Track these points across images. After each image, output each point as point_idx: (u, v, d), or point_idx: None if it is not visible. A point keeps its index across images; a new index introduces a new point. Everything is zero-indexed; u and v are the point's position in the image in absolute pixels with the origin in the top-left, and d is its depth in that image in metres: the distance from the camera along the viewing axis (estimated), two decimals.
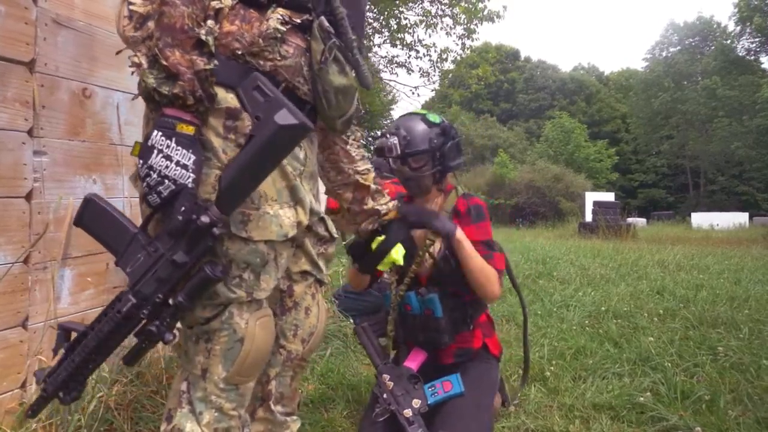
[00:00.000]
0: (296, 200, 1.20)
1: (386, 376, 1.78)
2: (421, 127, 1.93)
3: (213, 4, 1.11)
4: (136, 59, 1.00)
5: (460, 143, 2.03)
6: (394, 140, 1.89)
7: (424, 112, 2.00)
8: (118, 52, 1.19)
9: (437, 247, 1.90)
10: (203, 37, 1.04)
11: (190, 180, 1.00)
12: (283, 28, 1.15)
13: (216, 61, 1.06)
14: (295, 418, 1.50)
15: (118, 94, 1.93)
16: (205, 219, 0.98)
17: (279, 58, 1.16)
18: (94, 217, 1.09)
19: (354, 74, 1.30)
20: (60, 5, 1.72)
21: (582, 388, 2.45)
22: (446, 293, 1.91)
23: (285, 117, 0.93)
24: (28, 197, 1.65)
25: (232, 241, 1.09)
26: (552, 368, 2.68)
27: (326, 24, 1.19)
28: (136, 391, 1.85)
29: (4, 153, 1.57)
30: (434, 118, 1.97)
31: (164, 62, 0.99)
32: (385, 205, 1.69)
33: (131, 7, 1.01)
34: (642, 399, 2.28)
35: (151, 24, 1.00)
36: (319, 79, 1.21)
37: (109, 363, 1.91)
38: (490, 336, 2.11)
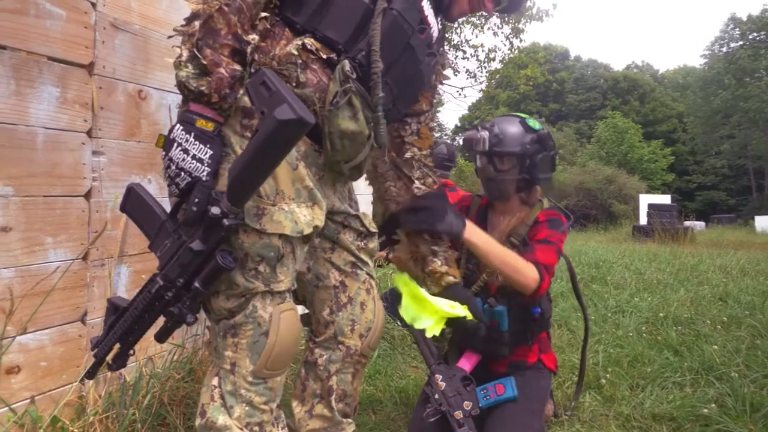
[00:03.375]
0: (314, 202, 1.21)
1: (438, 376, 1.75)
2: (516, 128, 1.87)
3: (263, 15, 1.16)
4: (178, 50, 1.06)
5: (555, 157, 1.94)
6: (485, 134, 1.83)
7: (525, 116, 1.92)
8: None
9: None
10: (240, 47, 1.09)
11: (205, 173, 1.06)
12: (295, 52, 1.16)
13: (251, 70, 1.13)
14: (350, 421, 1.51)
15: (171, 96, 1.97)
16: (215, 210, 1.03)
17: (295, 84, 1.18)
18: (134, 204, 1.18)
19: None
20: (117, 9, 1.77)
21: (640, 397, 2.35)
22: (514, 305, 1.85)
23: (284, 112, 0.93)
24: (87, 196, 1.70)
25: (246, 234, 1.13)
26: (608, 376, 2.58)
27: (347, 68, 1.17)
28: (187, 387, 1.88)
29: (65, 153, 1.62)
30: (533, 123, 1.90)
31: (203, 60, 1.04)
32: (443, 249, 1.65)
33: (186, 2, 1.04)
34: (706, 411, 2.15)
35: (197, 23, 1.06)
36: (327, 120, 1.20)
37: (162, 359, 1.95)
38: (546, 352, 2.06)
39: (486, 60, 11.04)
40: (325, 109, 1.20)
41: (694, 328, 3.48)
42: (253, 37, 1.11)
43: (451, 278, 1.64)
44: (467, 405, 1.70)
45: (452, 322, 1.63)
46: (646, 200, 16.34)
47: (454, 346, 1.95)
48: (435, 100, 1.66)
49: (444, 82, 1.65)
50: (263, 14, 1.16)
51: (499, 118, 1.95)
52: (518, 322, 1.87)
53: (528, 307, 1.89)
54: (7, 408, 1.49)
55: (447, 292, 1.66)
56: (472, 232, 1.67)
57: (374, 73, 1.20)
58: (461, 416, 1.67)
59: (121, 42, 1.79)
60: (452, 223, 1.62)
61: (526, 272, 1.72)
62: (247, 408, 1.18)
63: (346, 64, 1.17)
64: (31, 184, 1.53)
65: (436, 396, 1.73)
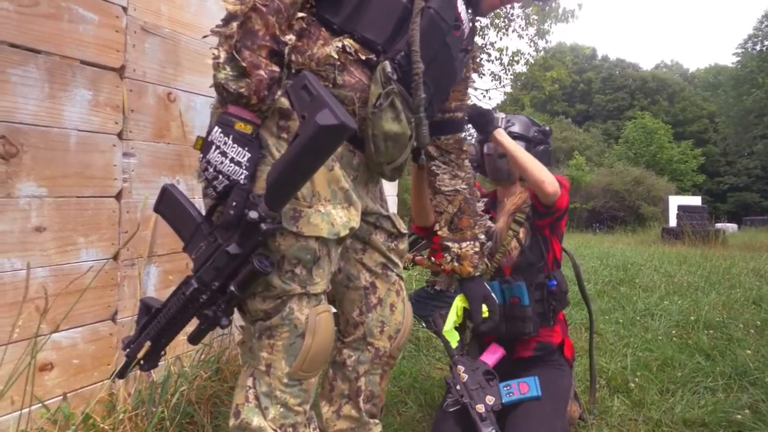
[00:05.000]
0: (350, 203, 1.21)
1: (461, 368, 1.75)
2: (525, 120, 2.09)
3: (299, 15, 1.15)
4: (216, 52, 1.05)
5: (551, 153, 2.14)
6: (501, 115, 1.96)
7: (530, 117, 2.16)
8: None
9: (522, 235, 1.95)
10: (278, 48, 1.08)
11: (243, 176, 1.05)
12: (335, 56, 1.16)
13: (289, 71, 1.12)
14: (377, 421, 1.51)
15: (200, 98, 2.00)
16: (253, 215, 1.02)
17: (332, 85, 1.17)
18: (168, 205, 1.18)
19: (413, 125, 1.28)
20: (148, 13, 1.80)
21: (670, 402, 2.30)
22: (532, 283, 1.92)
23: (326, 117, 0.92)
24: (118, 197, 1.73)
25: (283, 237, 1.12)
26: (636, 380, 2.54)
27: (388, 69, 1.17)
28: (215, 386, 1.90)
29: (97, 155, 1.66)
30: (539, 121, 2.12)
31: (241, 62, 1.03)
32: (459, 244, 1.66)
33: (223, 3, 1.04)
34: (740, 417, 2.10)
35: (234, 24, 1.04)
36: (370, 122, 1.20)
37: (190, 359, 1.98)
38: (566, 335, 2.09)
39: (510, 63, 10.96)
40: (365, 110, 1.20)
41: (726, 332, 3.40)
42: (290, 38, 1.10)
43: (457, 276, 1.69)
44: (489, 400, 1.68)
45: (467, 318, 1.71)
46: (675, 202, 15.97)
47: (476, 339, 1.95)
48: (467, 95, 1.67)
49: (477, 70, 1.65)
50: (300, 14, 1.15)
51: (508, 114, 2.14)
52: (538, 301, 1.92)
53: (544, 283, 1.95)
54: (40, 405, 1.52)
55: (463, 287, 1.71)
56: (503, 133, 1.89)
57: (415, 74, 1.20)
58: (483, 410, 1.65)
59: (151, 45, 1.82)
60: (493, 119, 1.88)
61: (549, 176, 1.85)
62: (281, 409, 1.18)
63: (387, 66, 1.17)
64: (64, 185, 1.57)
65: (458, 387, 1.72)
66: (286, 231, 1.11)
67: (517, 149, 1.87)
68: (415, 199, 2.01)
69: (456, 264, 1.66)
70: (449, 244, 1.66)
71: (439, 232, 1.68)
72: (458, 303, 1.74)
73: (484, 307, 1.68)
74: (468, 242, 1.66)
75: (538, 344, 1.95)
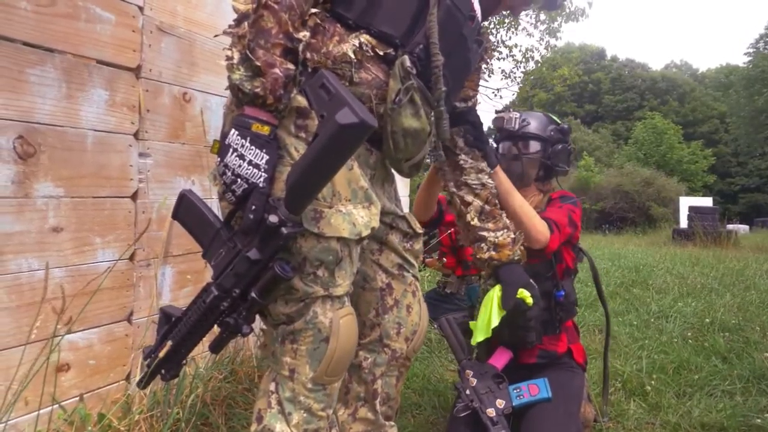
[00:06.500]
0: (370, 202, 1.19)
1: (469, 372, 1.73)
2: (542, 117, 2.02)
3: (313, 11, 1.13)
4: (229, 53, 1.03)
5: (571, 152, 2.08)
6: (516, 115, 1.94)
7: (548, 113, 2.10)
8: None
9: None
10: (292, 45, 1.06)
11: (262, 179, 1.02)
12: (352, 55, 1.14)
13: (304, 69, 1.10)
14: (392, 424, 1.49)
15: (215, 98, 2.00)
16: (273, 219, 1.00)
17: (348, 83, 1.15)
18: (186, 211, 1.15)
19: (432, 120, 1.27)
20: (164, 13, 1.80)
21: (688, 405, 2.27)
22: (538, 291, 1.84)
23: (346, 116, 0.90)
24: (134, 197, 1.73)
25: (305, 239, 1.10)
26: (653, 383, 2.51)
27: (407, 64, 1.15)
28: (229, 387, 1.89)
29: (113, 155, 1.66)
30: (556, 118, 2.06)
31: (255, 61, 1.01)
32: (494, 233, 1.62)
33: (233, 3, 1.03)
34: (759, 421, 2.08)
35: (246, 24, 1.03)
36: (389, 119, 1.18)
37: (204, 360, 1.97)
38: (575, 342, 2.04)
39: (523, 60, 10.92)
40: (383, 107, 1.17)
41: (742, 334, 3.36)
42: (304, 34, 1.08)
43: (495, 262, 1.64)
44: (500, 403, 1.66)
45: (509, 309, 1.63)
46: (686, 203, 15.84)
47: (484, 343, 1.93)
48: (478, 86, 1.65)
49: (489, 60, 1.62)
50: (313, 10, 1.13)
51: (524, 112, 2.07)
52: (544, 309, 1.85)
53: (551, 292, 1.91)
54: (57, 405, 1.52)
55: (499, 273, 1.65)
56: (503, 174, 1.77)
57: (435, 67, 1.17)
58: (494, 414, 1.63)
59: (166, 45, 1.82)
60: (493, 156, 1.74)
61: (539, 224, 1.77)
62: (305, 415, 1.16)
63: (406, 60, 1.15)
64: (80, 185, 1.57)
65: (467, 392, 1.70)
66: (307, 232, 1.09)
67: (512, 192, 1.76)
68: (426, 192, 1.97)
69: (494, 252, 1.62)
70: (485, 234, 1.62)
71: (472, 222, 1.63)
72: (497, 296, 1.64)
73: (527, 293, 1.61)
74: (503, 231, 1.63)
75: (542, 352, 1.92)
